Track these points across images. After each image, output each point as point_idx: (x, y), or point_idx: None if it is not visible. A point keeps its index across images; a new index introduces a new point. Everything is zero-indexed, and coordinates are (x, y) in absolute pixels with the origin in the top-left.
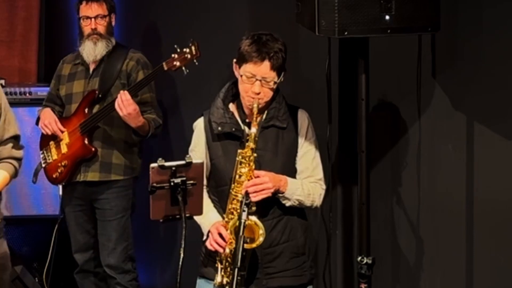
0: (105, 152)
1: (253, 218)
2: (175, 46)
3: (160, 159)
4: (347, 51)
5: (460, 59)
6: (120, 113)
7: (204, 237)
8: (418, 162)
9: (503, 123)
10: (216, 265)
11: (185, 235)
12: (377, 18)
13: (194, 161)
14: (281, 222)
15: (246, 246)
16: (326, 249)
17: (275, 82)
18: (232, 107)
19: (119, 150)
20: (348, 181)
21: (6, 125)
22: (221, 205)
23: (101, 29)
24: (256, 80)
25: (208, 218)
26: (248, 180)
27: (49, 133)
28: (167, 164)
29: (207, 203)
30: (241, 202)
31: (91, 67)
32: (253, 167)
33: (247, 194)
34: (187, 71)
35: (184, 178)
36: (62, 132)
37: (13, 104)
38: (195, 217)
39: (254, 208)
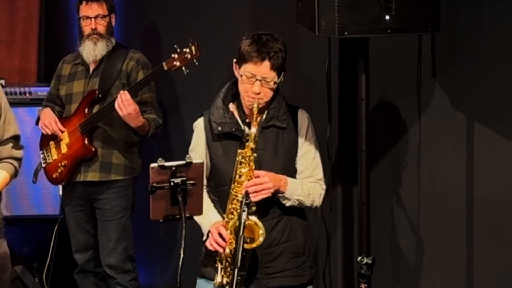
0: (105, 152)
1: (253, 218)
2: (175, 46)
3: (160, 159)
4: (347, 51)
5: (460, 59)
6: (120, 113)
7: (204, 237)
8: (418, 162)
9: (503, 123)
10: (216, 265)
11: (185, 235)
12: (377, 18)
13: (194, 161)
14: (281, 222)
15: (246, 246)
16: (326, 249)
17: (275, 82)
18: (232, 107)
19: (119, 150)
20: (348, 181)
21: (6, 125)
22: (221, 205)
23: (101, 29)
24: (256, 80)
25: (208, 218)
26: (248, 180)
27: (49, 133)
28: (167, 164)
29: (207, 203)
30: (241, 202)
31: (91, 67)
32: (253, 167)
33: (247, 194)
34: (187, 71)
35: (184, 178)
36: (62, 132)
37: (13, 104)
38: (195, 217)
39: (254, 208)
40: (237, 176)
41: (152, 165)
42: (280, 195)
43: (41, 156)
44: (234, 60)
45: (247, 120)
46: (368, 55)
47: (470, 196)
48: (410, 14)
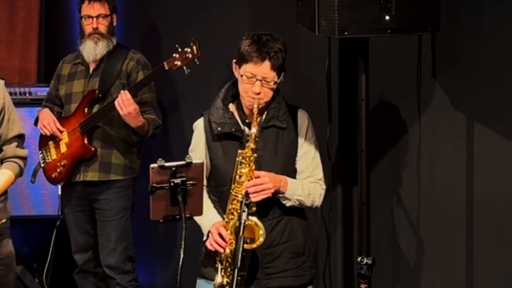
0: (104, 152)
1: (253, 218)
2: (176, 45)
3: (160, 159)
4: (347, 51)
5: (460, 59)
6: (121, 112)
7: (204, 237)
8: (418, 162)
9: (503, 123)
10: (216, 265)
11: (185, 235)
12: (377, 18)
13: (194, 161)
14: (281, 223)
15: (246, 246)
16: (326, 249)
17: (275, 82)
18: (232, 107)
19: (119, 150)
20: (348, 181)
21: (10, 124)
22: (221, 206)
23: (102, 28)
24: (256, 80)
25: (208, 218)
26: (248, 180)
27: (48, 133)
28: (167, 164)
29: (207, 204)
30: (241, 202)
31: (91, 67)
32: (253, 167)
33: (247, 194)
34: (189, 70)
35: (184, 178)
36: (61, 132)
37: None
38: (195, 218)
39: (254, 209)
40: (237, 177)
41: (152, 165)
42: (281, 195)
43: (40, 156)
44: (234, 60)
45: (247, 120)
46: (368, 55)
47: (470, 196)
48: (410, 14)
